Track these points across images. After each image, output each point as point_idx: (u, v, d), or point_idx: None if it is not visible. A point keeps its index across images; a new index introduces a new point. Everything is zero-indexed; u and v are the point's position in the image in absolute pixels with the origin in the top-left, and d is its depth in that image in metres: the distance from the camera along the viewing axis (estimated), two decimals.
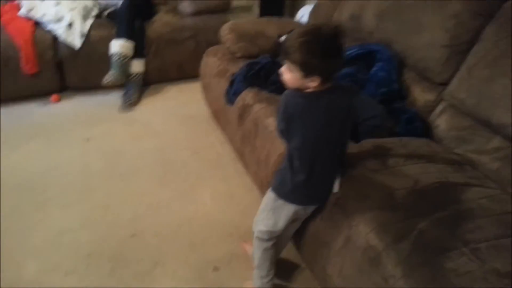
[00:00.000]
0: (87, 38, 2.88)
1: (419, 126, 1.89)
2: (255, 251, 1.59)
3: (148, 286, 1.71)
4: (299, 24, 2.76)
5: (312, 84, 1.29)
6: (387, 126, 1.76)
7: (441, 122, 1.89)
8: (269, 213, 1.51)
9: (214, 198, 2.17)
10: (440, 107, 1.93)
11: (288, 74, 1.32)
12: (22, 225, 1.95)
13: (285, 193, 1.47)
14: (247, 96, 2.11)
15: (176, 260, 1.81)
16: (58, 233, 1.92)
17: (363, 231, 1.35)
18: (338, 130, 1.39)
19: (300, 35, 1.26)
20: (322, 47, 1.24)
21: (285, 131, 1.41)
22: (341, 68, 1.40)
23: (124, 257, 1.81)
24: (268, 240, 1.55)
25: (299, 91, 1.35)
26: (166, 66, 3.18)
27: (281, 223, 1.50)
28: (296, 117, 1.36)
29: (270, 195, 1.52)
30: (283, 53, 1.31)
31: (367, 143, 1.64)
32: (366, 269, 1.30)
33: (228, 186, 2.25)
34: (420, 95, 2.02)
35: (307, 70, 1.26)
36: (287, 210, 1.48)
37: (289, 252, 1.77)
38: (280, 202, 1.48)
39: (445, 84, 1.93)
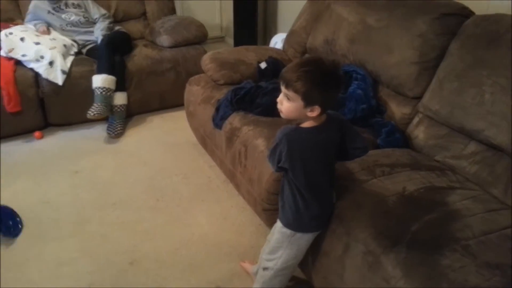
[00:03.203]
0: (69, 74, 2.90)
1: (398, 137, 1.98)
2: (268, 284, 1.58)
3: None
4: (276, 50, 2.86)
5: (311, 114, 1.27)
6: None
7: (419, 133, 1.99)
8: (287, 249, 1.50)
9: (208, 220, 2.19)
10: (416, 119, 2.03)
11: (287, 104, 1.28)
12: (19, 260, 1.93)
13: (303, 226, 1.47)
14: (234, 119, 2.16)
15: (178, 282, 1.82)
16: (57, 265, 1.90)
17: (361, 237, 1.40)
18: (332, 156, 1.43)
19: (302, 65, 1.25)
20: (324, 78, 1.23)
21: (291, 170, 1.36)
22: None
23: (126, 284, 1.81)
24: (292, 271, 1.58)
25: (298, 127, 1.34)
26: (148, 97, 3.22)
27: (303, 251, 1.53)
28: (299, 153, 1.33)
29: (283, 231, 1.48)
30: (283, 83, 1.26)
31: None
32: (367, 273, 1.35)
33: (221, 207, 2.28)
34: (397, 109, 2.11)
35: (309, 99, 1.24)
36: (307, 237, 1.50)
37: None
38: (299, 234, 1.47)
39: (418, 97, 2.03)
